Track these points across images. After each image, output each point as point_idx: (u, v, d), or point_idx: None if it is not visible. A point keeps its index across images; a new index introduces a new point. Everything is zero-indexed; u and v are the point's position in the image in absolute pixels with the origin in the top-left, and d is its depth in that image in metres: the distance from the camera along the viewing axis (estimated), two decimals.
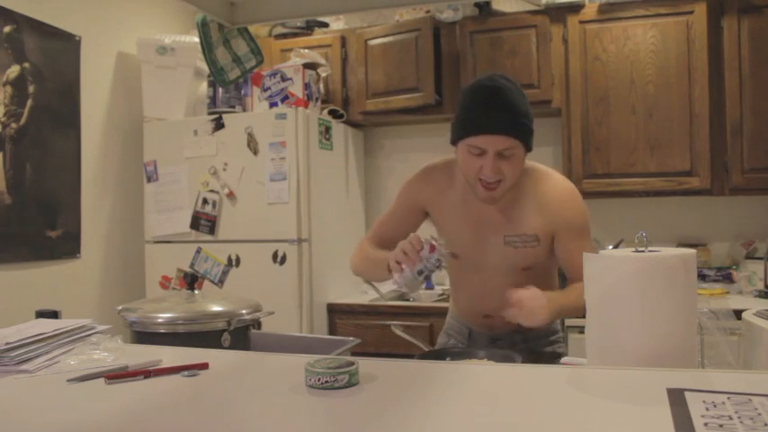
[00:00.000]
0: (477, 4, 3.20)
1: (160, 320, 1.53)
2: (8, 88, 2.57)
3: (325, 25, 3.51)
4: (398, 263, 1.41)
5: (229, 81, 1.95)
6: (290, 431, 0.88)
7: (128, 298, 2.82)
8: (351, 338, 1.70)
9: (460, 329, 1.79)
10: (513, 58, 3.07)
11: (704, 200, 3.06)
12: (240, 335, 1.57)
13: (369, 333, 2.84)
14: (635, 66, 2.90)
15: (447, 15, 3.17)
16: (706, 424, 0.77)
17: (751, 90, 2.78)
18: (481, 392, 1.02)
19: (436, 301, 3.10)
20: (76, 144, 2.90)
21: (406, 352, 1.67)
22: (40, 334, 1.27)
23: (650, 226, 3.06)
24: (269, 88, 3.06)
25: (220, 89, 3.09)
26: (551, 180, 1.64)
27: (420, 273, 1.40)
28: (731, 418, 0.79)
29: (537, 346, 1.69)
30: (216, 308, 1.58)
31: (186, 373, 1.14)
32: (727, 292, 2.86)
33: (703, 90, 2.82)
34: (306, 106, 3.00)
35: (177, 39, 3.15)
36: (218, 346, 1.51)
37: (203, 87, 3.22)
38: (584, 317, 1.21)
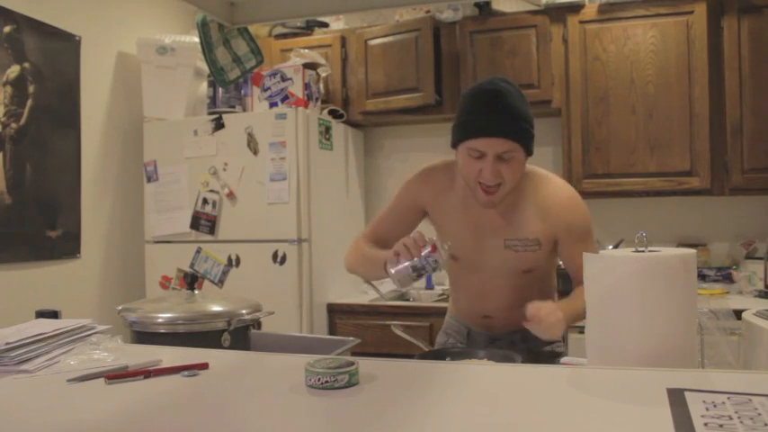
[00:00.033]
0: (477, 4, 3.20)
1: (160, 320, 1.53)
2: (8, 88, 2.57)
3: (326, 25, 3.51)
4: (398, 254, 1.40)
5: (229, 81, 1.95)
6: (289, 431, 0.88)
7: (128, 298, 2.82)
8: (351, 338, 1.70)
9: (459, 329, 1.79)
10: (513, 58, 3.07)
11: (704, 200, 3.06)
12: (240, 335, 1.57)
13: (369, 333, 2.84)
14: (635, 66, 2.90)
15: (447, 15, 3.17)
16: (706, 424, 0.77)
17: (751, 90, 2.78)
18: (481, 392, 1.02)
19: (436, 301, 3.11)
20: (76, 144, 2.90)
21: (406, 352, 1.67)
22: (40, 334, 1.27)
23: (650, 226, 3.06)
24: (269, 88, 3.06)
25: (220, 89, 3.09)
26: (553, 184, 1.64)
27: (415, 269, 1.38)
28: (731, 418, 0.79)
29: (536, 345, 1.69)
30: (216, 308, 1.58)
31: (186, 373, 1.14)
32: (727, 292, 2.86)
33: (703, 90, 2.82)
34: (306, 106, 3.01)
35: (177, 39, 3.15)
36: (218, 346, 1.51)
37: (203, 87, 3.22)
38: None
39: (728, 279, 2.96)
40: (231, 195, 2.96)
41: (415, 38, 3.15)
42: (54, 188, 2.77)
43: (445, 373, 1.13)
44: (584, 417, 0.87)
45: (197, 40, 2.01)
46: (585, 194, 2.92)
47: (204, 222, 3.01)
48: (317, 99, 3.16)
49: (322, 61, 3.28)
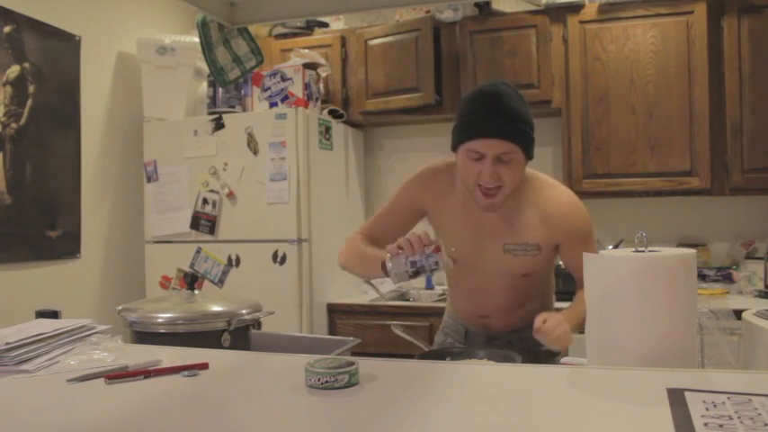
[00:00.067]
0: (477, 4, 3.20)
1: (160, 320, 1.53)
2: (8, 88, 2.57)
3: (326, 25, 3.51)
4: (401, 248, 1.39)
5: (229, 81, 1.95)
6: (289, 431, 0.88)
7: (128, 298, 2.82)
8: (351, 338, 1.70)
9: (457, 329, 1.79)
10: (513, 58, 3.07)
11: (704, 200, 3.06)
12: (240, 335, 1.57)
13: (369, 333, 2.84)
14: (635, 66, 2.90)
15: (447, 15, 3.17)
16: (706, 424, 0.77)
17: (751, 90, 2.78)
18: (481, 392, 1.02)
19: (436, 301, 3.11)
20: (76, 144, 2.90)
21: (406, 352, 1.68)
22: (40, 334, 1.27)
23: (650, 226, 3.06)
24: (269, 88, 3.06)
25: (220, 89, 3.09)
26: (554, 190, 1.64)
27: (414, 265, 1.37)
28: (731, 418, 0.79)
29: (533, 345, 1.69)
30: (216, 308, 1.58)
31: (186, 373, 1.14)
32: (727, 292, 2.86)
33: (703, 90, 2.82)
34: (306, 106, 3.01)
35: (177, 39, 3.15)
36: (218, 346, 1.51)
37: (203, 87, 3.22)
38: None
39: (728, 279, 2.96)
40: (231, 195, 2.97)
41: (415, 38, 3.15)
42: (54, 188, 2.77)
43: (445, 373, 1.13)
44: (584, 417, 0.87)
45: (197, 40, 2.01)
46: (585, 194, 2.94)
47: (204, 222, 3.01)
48: (317, 99, 3.16)
49: (322, 61, 3.28)
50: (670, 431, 0.77)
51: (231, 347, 1.53)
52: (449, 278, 1.82)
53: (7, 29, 2.56)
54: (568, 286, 1.74)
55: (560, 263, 1.76)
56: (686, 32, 2.84)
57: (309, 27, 3.47)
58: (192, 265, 3.03)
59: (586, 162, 2.98)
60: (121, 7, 3.19)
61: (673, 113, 2.86)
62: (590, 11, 2.98)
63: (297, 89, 3.03)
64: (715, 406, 0.84)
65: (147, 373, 1.13)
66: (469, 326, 1.76)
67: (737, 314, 1.30)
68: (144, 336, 1.53)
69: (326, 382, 1.01)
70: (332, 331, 3.02)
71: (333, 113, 3.22)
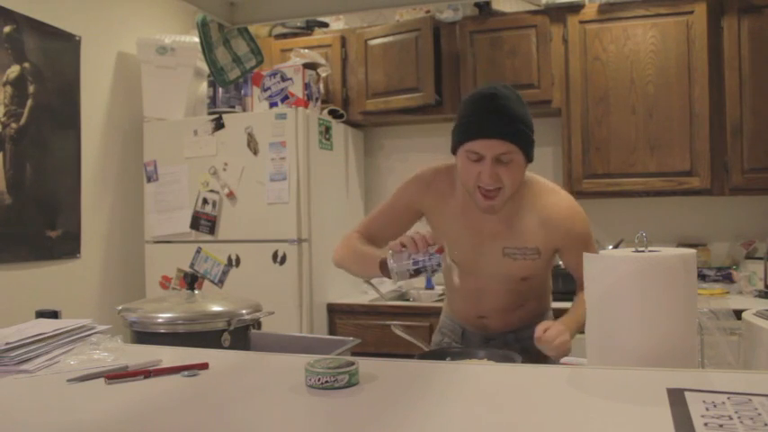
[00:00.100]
0: (477, 4, 3.20)
1: (160, 320, 1.53)
2: (8, 88, 2.57)
3: (326, 25, 3.51)
4: (404, 245, 1.38)
5: (229, 81, 1.95)
6: (289, 431, 0.88)
7: (128, 298, 2.82)
8: (351, 338, 1.70)
9: (454, 328, 1.80)
10: (513, 58, 3.07)
11: (704, 200, 3.06)
12: (240, 335, 1.58)
13: (369, 333, 2.84)
14: (635, 66, 2.90)
15: (447, 15, 3.17)
16: (706, 424, 0.77)
17: (751, 90, 2.78)
18: (481, 392, 1.02)
19: (436, 301, 3.10)
20: (76, 144, 2.90)
21: (406, 352, 1.68)
22: (40, 334, 1.27)
23: (650, 226, 3.06)
24: (269, 88, 3.06)
25: (220, 89, 3.09)
26: (554, 195, 1.64)
27: (416, 263, 1.37)
28: (731, 418, 0.79)
29: (530, 345, 1.69)
30: (216, 308, 1.58)
31: (186, 373, 1.14)
32: (727, 292, 2.86)
33: (703, 90, 2.82)
34: (306, 106, 3.01)
35: (177, 39, 3.15)
36: (218, 346, 1.51)
37: (203, 87, 3.22)
38: None
39: (728, 279, 2.96)
40: (231, 195, 2.97)
41: (415, 38, 3.15)
42: (54, 188, 2.77)
43: (445, 373, 1.13)
44: (584, 417, 0.87)
45: (197, 40, 2.01)
46: (585, 194, 2.95)
47: (204, 222, 3.01)
48: (317, 99, 3.16)
49: (322, 61, 3.28)
50: (670, 431, 0.77)
51: (231, 347, 1.53)
52: (446, 279, 1.82)
53: (7, 29, 2.56)
54: (568, 286, 1.74)
55: (560, 263, 1.76)
56: (686, 32, 2.84)
57: (309, 27, 3.47)
58: (192, 265, 3.03)
59: (586, 162, 2.98)
60: (121, 7, 3.19)
61: (673, 113, 2.86)
62: (590, 11, 2.98)
63: (297, 89, 3.03)
64: (715, 406, 0.84)
65: (147, 373, 1.13)
66: (466, 326, 1.76)
67: (737, 314, 1.30)
68: (144, 336, 1.53)
69: (326, 382, 1.01)
70: (332, 331, 3.02)
71: (333, 113, 3.22)
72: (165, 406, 0.99)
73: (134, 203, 3.21)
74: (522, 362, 1.41)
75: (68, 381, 1.11)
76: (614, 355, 1.12)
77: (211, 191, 3.01)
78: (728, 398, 0.87)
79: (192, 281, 1.72)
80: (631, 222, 3.17)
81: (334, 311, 3.04)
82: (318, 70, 3.22)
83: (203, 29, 1.78)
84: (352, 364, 1.05)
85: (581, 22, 2.98)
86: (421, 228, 1.61)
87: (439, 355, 1.53)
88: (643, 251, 1.14)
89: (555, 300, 1.91)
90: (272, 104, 3.05)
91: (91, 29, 2.98)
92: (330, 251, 2.99)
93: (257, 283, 2.87)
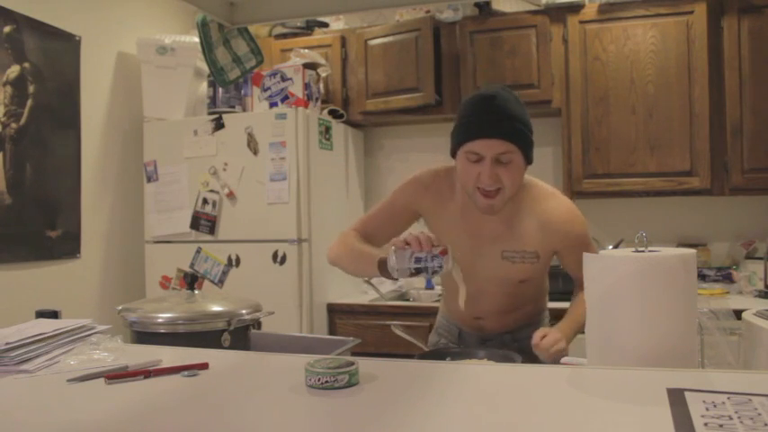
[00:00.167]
0: (477, 4, 3.20)
1: (160, 320, 1.53)
2: (8, 88, 2.57)
3: (326, 25, 3.51)
4: (408, 243, 1.37)
5: (229, 81, 1.95)
6: (289, 431, 0.88)
7: (128, 298, 2.82)
8: (351, 338, 1.70)
9: (450, 329, 1.80)
10: (513, 58, 3.07)
11: (704, 200, 3.06)
12: (240, 335, 1.57)
13: (369, 333, 2.84)
14: (635, 66, 2.90)
15: (447, 15, 3.17)
16: (706, 424, 0.77)
17: (751, 90, 2.78)
18: (481, 392, 1.02)
19: (436, 301, 3.10)
20: (76, 144, 2.90)
21: (406, 352, 1.68)
22: (40, 334, 1.27)
23: (650, 226, 3.06)
24: (269, 88, 3.06)
25: (220, 89, 3.09)
26: (553, 199, 1.64)
27: (418, 262, 1.36)
28: (731, 418, 0.79)
29: (526, 345, 1.69)
30: (216, 308, 1.58)
31: (186, 373, 1.14)
32: (727, 292, 2.86)
33: (703, 90, 2.82)
34: (306, 106, 3.00)
35: (177, 39, 3.15)
36: (218, 346, 1.51)
37: (203, 87, 3.22)
38: None
39: (728, 279, 2.96)
40: (231, 195, 2.97)
41: (415, 38, 3.15)
42: (54, 188, 2.77)
43: (445, 373, 1.13)
44: (584, 417, 0.87)
45: (197, 40, 2.01)
46: (585, 194, 2.95)
47: (204, 222, 3.01)
48: (317, 99, 3.16)
49: (322, 61, 3.28)
50: (670, 431, 0.77)
51: (231, 347, 1.53)
52: (443, 280, 1.82)
53: (7, 29, 2.56)
54: (568, 286, 1.75)
55: (558, 263, 1.76)
56: (686, 32, 2.84)
57: (309, 27, 3.47)
58: (191, 265, 3.03)
59: (586, 162, 2.98)
60: (121, 7, 3.19)
61: (673, 113, 2.86)
62: (590, 11, 2.98)
63: (297, 89, 3.03)
64: (715, 406, 0.84)
65: (147, 373, 1.13)
66: (463, 327, 1.76)
67: (737, 314, 1.30)
68: (144, 336, 1.53)
69: (326, 382, 1.01)
70: (332, 331, 3.02)
71: (333, 113, 3.22)
72: (165, 406, 0.99)
73: (134, 203, 3.21)
74: (522, 362, 1.41)
75: (68, 381, 1.11)
76: (614, 355, 1.12)
77: (211, 191, 3.01)
78: (728, 398, 0.87)
79: (191, 281, 1.72)
80: (631, 222, 3.16)
81: (335, 311, 3.04)
82: (318, 70, 3.22)
83: (203, 29, 1.78)
84: (352, 364, 1.05)
85: (581, 22, 2.98)
86: (418, 229, 1.61)
87: (439, 355, 1.53)
88: (643, 251, 1.14)
89: (554, 300, 1.91)
90: (272, 104, 3.05)
91: (91, 29, 2.98)
92: None
93: (257, 283, 2.87)
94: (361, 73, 3.30)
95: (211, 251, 3.01)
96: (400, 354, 1.63)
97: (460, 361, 1.42)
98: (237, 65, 1.93)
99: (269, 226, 2.90)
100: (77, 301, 2.88)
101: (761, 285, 2.85)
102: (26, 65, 2.64)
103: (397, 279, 1.44)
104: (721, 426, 0.76)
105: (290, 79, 3.04)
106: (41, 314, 1.48)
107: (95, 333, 1.35)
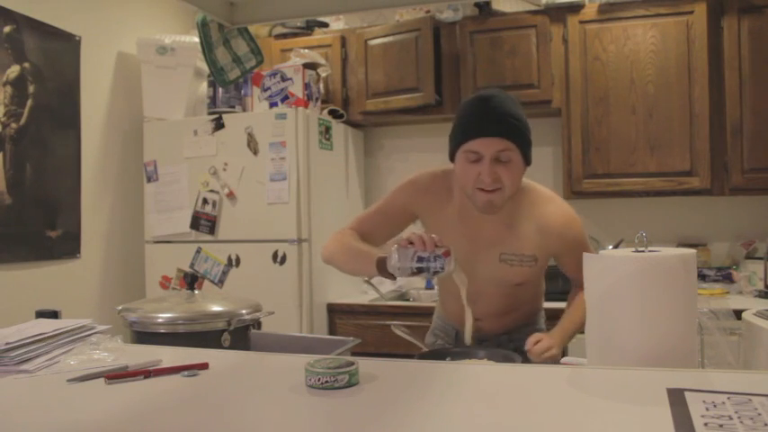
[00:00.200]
0: (477, 4, 3.20)
1: (160, 320, 1.53)
2: (8, 88, 2.57)
3: (326, 25, 3.51)
4: (411, 242, 1.37)
5: (229, 81, 1.95)
6: (289, 431, 0.88)
7: (128, 298, 2.82)
8: (351, 338, 1.70)
9: (447, 330, 1.80)
10: (513, 58, 3.07)
11: (704, 200, 3.06)
12: (240, 335, 1.57)
13: (369, 333, 2.84)
14: (635, 66, 2.90)
15: (447, 15, 3.17)
16: (706, 424, 0.77)
17: (751, 90, 2.78)
18: (481, 392, 1.02)
19: (436, 301, 3.10)
20: (76, 144, 2.90)
21: (406, 352, 1.68)
22: (40, 334, 1.27)
23: (650, 226, 3.06)
24: (269, 88, 3.06)
25: (220, 89, 3.09)
26: (552, 203, 1.64)
27: (420, 261, 1.35)
28: (731, 418, 0.79)
29: (523, 345, 1.69)
30: (216, 308, 1.58)
31: (186, 373, 1.14)
32: (727, 292, 2.86)
33: (703, 90, 2.82)
34: (306, 106, 3.00)
35: (177, 39, 3.15)
36: (218, 346, 1.51)
37: (203, 87, 3.22)
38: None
39: (728, 279, 2.96)
40: (231, 195, 2.96)
41: (415, 38, 3.15)
42: (54, 188, 2.77)
43: (445, 373, 1.13)
44: (584, 417, 0.87)
45: (197, 40, 2.01)
46: (585, 194, 2.95)
47: (204, 222, 3.01)
48: (317, 99, 3.16)
49: (322, 61, 3.28)
50: (670, 431, 0.77)
51: (231, 347, 1.53)
52: (440, 281, 1.82)
53: (7, 29, 2.56)
54: (566, 286, 1.75)
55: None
56: (686, 32, 2.84)
57: (309, 27, 3.47)
58: (192, 265, 3.03)
59: (586, 162, 2.98)
60: (121, 7, 3.19)
61: (673, 113, 2.86)
62: (590, 11, 2.98)
63: (297, 89, 3.03)
64: (715, 406, 0.84)
65: (147, 373, 1.13)
66: (459, 327, 1.76)
67: (737, 314, 1.30)
68: (144, 336, 1.53)
69: (326, 382, 1.01)
70: (332, 331, 3.02)
71: (333, 113, 3.22)
72: (165, 406, 0.99)
73: (134, 203, 3.21)
74: (522, 362, 1.41)
75: (68, 381, 1.11)
76: (614, 355, 1.12)
77: (211, 191, 3.01)
78: (728, 398, 0.87)
79: (191, 281, 1.72)
80: (631, 222, 3.16)
81: (334, 311, 3.04)
82: (318, 70, 3.22)
83: (203, 29, 1.78)
84: (352, 364, 1.05)
85: (581, 22, 2.98)
86: (415, 230, 1.61)
87: (439, 355, 1.53)
88: (643, 251, 1.14)
89: (552, 300, 1.92)
90: (272, 104, 3.05)
91: (91, 29, 2.98)
92: None
93: (257, 283, 2.87)
94: (361, 73, 3.30)
95: (211, 251, 3.01)
96: (400, 354, 1.63)
97: (460, 361, 1.42)
98: (237, 65, 1.93)
99: (269, 226, 2.90)
100: (77, 301, 2.88)
101: (761, 285, 2.85)
102: (26, 65, 2.64)
103: (395, 279, 1.43)
104: (721, 426, 0.76)
105: (290, 79, 3.04)
106: (41, 314, 1.48)
107: (95, 333, 1.35)
